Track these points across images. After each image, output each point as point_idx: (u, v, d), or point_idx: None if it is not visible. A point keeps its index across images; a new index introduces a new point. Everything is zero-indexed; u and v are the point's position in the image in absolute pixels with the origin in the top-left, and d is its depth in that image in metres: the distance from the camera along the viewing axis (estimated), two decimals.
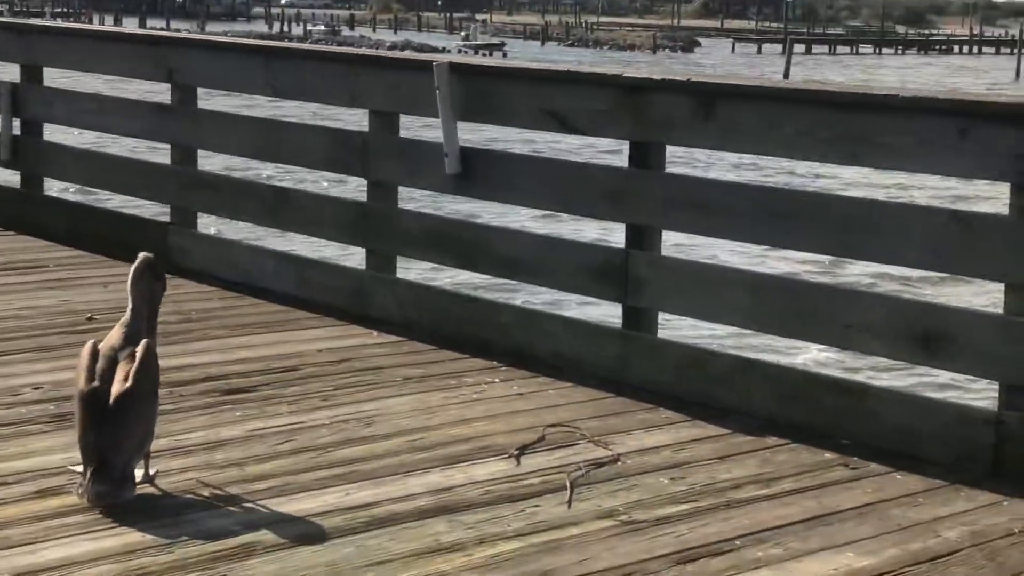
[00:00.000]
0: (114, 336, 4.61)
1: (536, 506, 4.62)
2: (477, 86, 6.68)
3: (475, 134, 8.07)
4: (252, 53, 7.96)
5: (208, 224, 9.44)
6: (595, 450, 5.20)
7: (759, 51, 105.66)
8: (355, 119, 8.94)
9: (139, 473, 4.56)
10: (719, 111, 5.79)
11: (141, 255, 4.72)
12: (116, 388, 4.52)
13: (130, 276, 4.66)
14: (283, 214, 7.80)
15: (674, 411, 5.70)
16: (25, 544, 4.14)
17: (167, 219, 8.46)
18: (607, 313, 9.78)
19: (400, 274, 7.29)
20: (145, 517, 4.37)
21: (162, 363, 4.73)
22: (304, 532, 4.33)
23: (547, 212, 11.70)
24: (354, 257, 8.13)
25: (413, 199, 9.14)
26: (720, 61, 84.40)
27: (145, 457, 4.60)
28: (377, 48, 57.38)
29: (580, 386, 6.04)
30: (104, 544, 4.16)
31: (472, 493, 4.72)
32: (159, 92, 8.63)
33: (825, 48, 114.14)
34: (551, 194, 6.50)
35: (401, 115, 7.16)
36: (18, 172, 9.46)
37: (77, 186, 10.23)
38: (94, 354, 4.59)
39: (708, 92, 5.82)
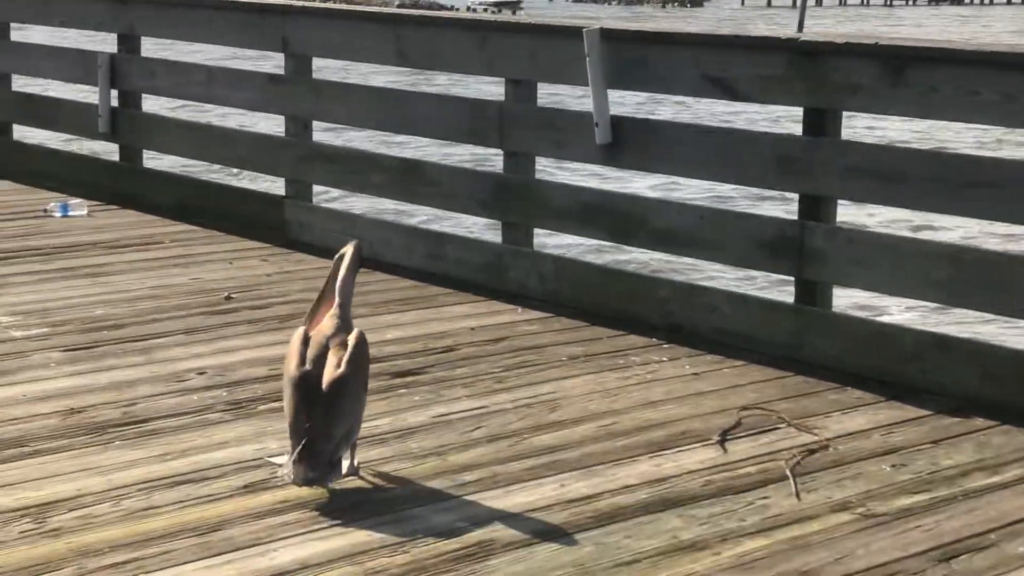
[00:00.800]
0: (326, 325, 4.37)
1: (764, 497, 4.37)
2: (630, 52, 6.40)
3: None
4: (379, 21, 7.67)
5: (321, 198, 9.19)
6: (799, 435, 4.94)
7: (768, 4, 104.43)
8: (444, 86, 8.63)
9: (345, 464, 4.33)
10: (909, 76, 5.50)
11: (351, 243, 4.49)
12: (328, 374, 4.29)
13: (345, 263, 4.42)
14: (412, 187, 7.54)
15: (864, 391, 5.45)
16: (252, 546, 3.90)
17: (281, 193, 8.22)
18: (764, 287, 9.52)
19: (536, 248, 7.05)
20: (364, 513, 4.14)
21: None
22: (536, 528, 4.08)
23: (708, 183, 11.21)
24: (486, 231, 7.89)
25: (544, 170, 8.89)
26: (730, 15, 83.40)
27: (352, 447, 4.36)
28: (384, 7, 56.65)
29: (754, 364, 5.80)
30: (333, 544, 3.92)
31: (691, 484, 4.47)
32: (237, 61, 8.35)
33: (836, 0, 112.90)
34: (714, 164, 6.22)
35: (540, 83, 6.91)
36: (118, 145, 9.23)
37: (175, 158, 9.94)
38: (305, 340, 4.35)
39: (898, 55, 5.53)
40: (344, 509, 4.16)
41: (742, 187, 6.55)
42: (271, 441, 4.68)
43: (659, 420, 5.09)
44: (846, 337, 5.77)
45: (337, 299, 4.52)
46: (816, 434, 4.94)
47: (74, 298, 6.60)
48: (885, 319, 6.52)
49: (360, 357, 4.34)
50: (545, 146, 6.87)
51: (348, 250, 4.52)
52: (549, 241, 8.95)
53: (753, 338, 6.00)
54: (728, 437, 4.90)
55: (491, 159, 11.93)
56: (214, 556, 3.85)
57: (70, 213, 8.56)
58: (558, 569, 3.82)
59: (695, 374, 5.69)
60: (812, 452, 4.77)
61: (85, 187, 9.08)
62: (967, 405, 5.27)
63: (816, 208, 5.84)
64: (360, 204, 12.08)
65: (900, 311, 9.55)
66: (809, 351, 5.83)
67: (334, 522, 4.07)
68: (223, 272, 7.19)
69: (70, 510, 4.11)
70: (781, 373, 5.69)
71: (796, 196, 5.96)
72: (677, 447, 4.81)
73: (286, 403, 4.28)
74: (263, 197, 8.46)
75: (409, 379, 5.48)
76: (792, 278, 6.00)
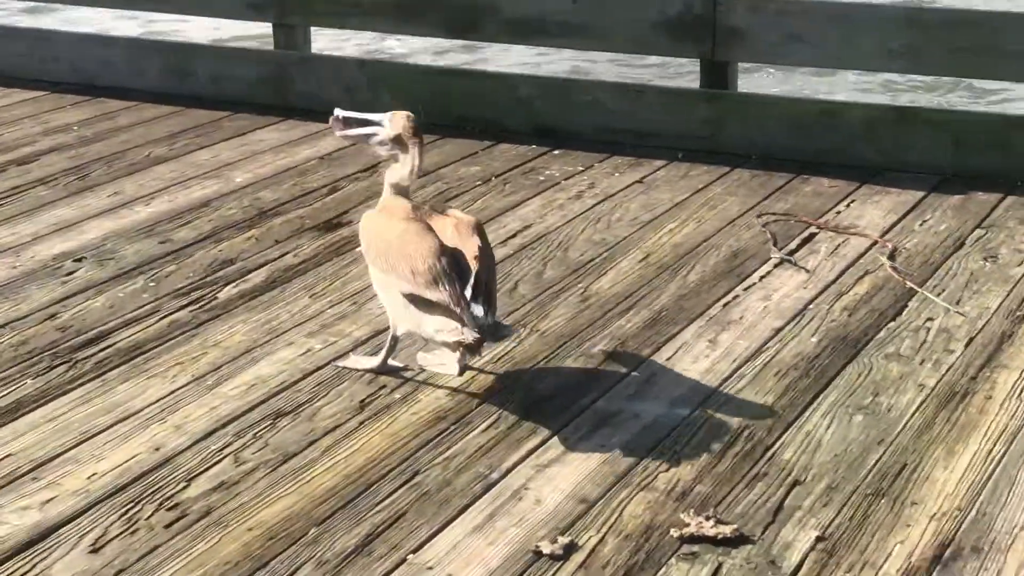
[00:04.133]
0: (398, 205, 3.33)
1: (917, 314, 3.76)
2: None
3: None
4: None
5: None
6: (851, 238, 4.35)
7: None
8: None
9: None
10: None
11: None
12: (470, 249, 3.20)
13: None
14: None
15: (830, 177, 4.90)
16: None
17: None
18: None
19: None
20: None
21: None
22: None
23: None
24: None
25: None
26: None
27: None
28: None
29: (683, 164, 5.09)
30: None
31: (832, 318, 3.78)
32: None
33: None
34: None
35: None
36: None
37: None
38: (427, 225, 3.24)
39: None
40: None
41: None
42: None
43: (687, 245, 4.32)
44: (774, 121, 5.17)
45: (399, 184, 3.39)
46: (868, 235, 4.37)
47: None
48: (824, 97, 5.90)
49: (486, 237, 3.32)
50: None
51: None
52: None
53: (661, 134, 5.28)
54: (789, 255, 4.22)
55: None
56: None
57: None
58: None
59: (640, 181, 4.93)
60: (892, 256, 4.21)
61: None
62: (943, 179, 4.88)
63: None
64: None
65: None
66: (726, 140, 5.20)
67: None
68: None
69: None
70: (724, 169, 5.03)
71: None
72: (746, 273, 4.08)
73: (407, 254, 3.17)
74: None
75: None
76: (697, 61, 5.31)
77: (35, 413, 3.27)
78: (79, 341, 3.68)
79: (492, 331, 3.16)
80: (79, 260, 4.26)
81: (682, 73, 8.08)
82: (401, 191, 3.39)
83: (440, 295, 3.14)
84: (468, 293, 3.14)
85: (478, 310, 3.13)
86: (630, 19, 5.31)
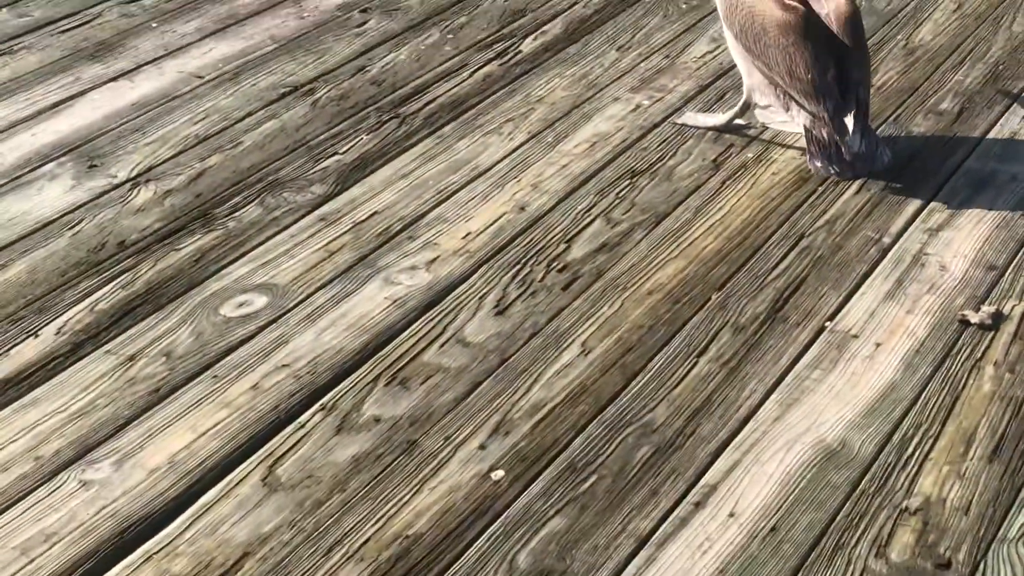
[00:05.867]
0: None
1: None
2: None
3: None
4: None
5: None
6: None
7: None
8: None
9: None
10: None
11: None
12: (831, 6, 3.02)
13: None
14: None
15: None
16: None
17: None
18: None
19: None
20: None
21: None
22: None
23: None
24: None
25: None
26: None
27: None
28: None
29: None
30: None
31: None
32: None
33: None
34: None
35: None
36: None
37: None
38: None
39: None
40: None
41: None
42: None
43: None
44: None
45: None
46: None
47: None
48: None
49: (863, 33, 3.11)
50: None
51: None
52: None
53: None
54: None
55: None
56: None
57: None
58: None
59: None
60: None
61: None
62: None
63: None
64: None
65: None
66: None
67: None
68: None
69: None
70: None
71: None
72: None
73: (788, 53, 2.98)
74: None
75: None
76: None
77: (385, 170, 3.20)
78: (399, 96, 3.58)
79: (864, 163, 3.01)
80: (365, 11, 4.13)
81: None
82: None
83: (819, 111, 2.98)
84: (850, 122, 2.97)
85: (855, 141, 2.97)
86: None
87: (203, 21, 4.05)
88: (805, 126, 3.05)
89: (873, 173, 3.07)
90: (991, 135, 3.27)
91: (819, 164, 3.04)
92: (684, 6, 4.08)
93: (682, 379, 2.47)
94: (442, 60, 3.78)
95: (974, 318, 2.57)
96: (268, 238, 2.93)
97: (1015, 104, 3.41)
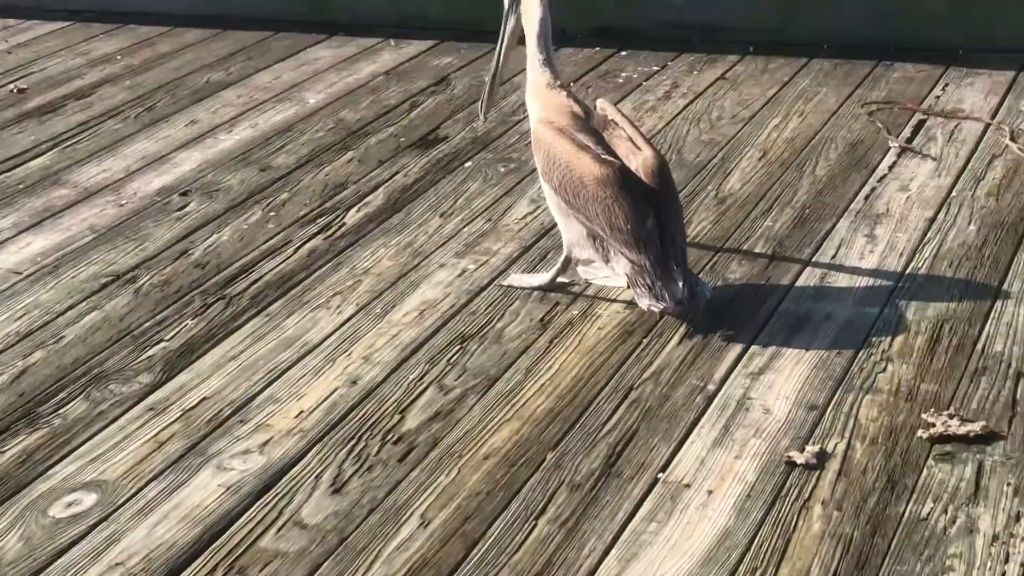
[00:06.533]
0: (559, 102, 3.26)
1: None
2: None
3: None
4: None
5: None
6: (960, 122, 4.32)
7: None
8: None
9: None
10: None
11: None
12: (645, 162, 3.13)
13: None
14: None
15: (913, 62, 4.86)
16: None
17: None
18: None
19: None
20: None
21: None
22: None
23: None
24: None
25: None
26: None
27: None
28: None
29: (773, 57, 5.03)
30: None
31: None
32: None
33: None
34: None
35: None
36: None
37: None
38: (561, 130, 3.15)
39: None
40: None
41: None
42: None
43: (800, 139, 4.27)
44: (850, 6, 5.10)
45: (540, 55, 3.31)
46: (979, 118, 4.34)
47: None
48: None
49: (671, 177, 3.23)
50: None
51: None
52: None
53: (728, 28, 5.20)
54: (908, 143, 4.19)
55: None
56: None
57: None
58: None
59: (723, 77, 4.85)
60: (1013, 138, 4.18)
61: None
62: None
63: None
64: None
65: None
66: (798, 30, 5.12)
67: None
68: None
69: None
70: (801, 60, 4.96)
71: None
72: (872, 164, 4.04)
73: (620, 208, 3.06)
74: None
75: None
76: None
77: (213, 353, 3.18)
78: (224, 277, 3.58)
79: (688, 306, 3.11)
80: (185, 194, 4.14)
81: None
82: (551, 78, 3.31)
83: (641, 259, 3.08)
84: (672, 269, 3.07)
85: (677, 289, 3.07)
86: None
87: (19, 216, 4.02)
88: (627, 275, 3.14)
89: (694, 321, 3.16)
90: (803, 277, 3.39)
91: (648, 303, 3.12)
92: (503, 169, 4.18)
93: (522, 543, 2.47)
94: (266, 238, 3.80)
95: (800, 459, 2.64)
96: (95, 433, 2.88)
97: (824, 244, 3.56)
